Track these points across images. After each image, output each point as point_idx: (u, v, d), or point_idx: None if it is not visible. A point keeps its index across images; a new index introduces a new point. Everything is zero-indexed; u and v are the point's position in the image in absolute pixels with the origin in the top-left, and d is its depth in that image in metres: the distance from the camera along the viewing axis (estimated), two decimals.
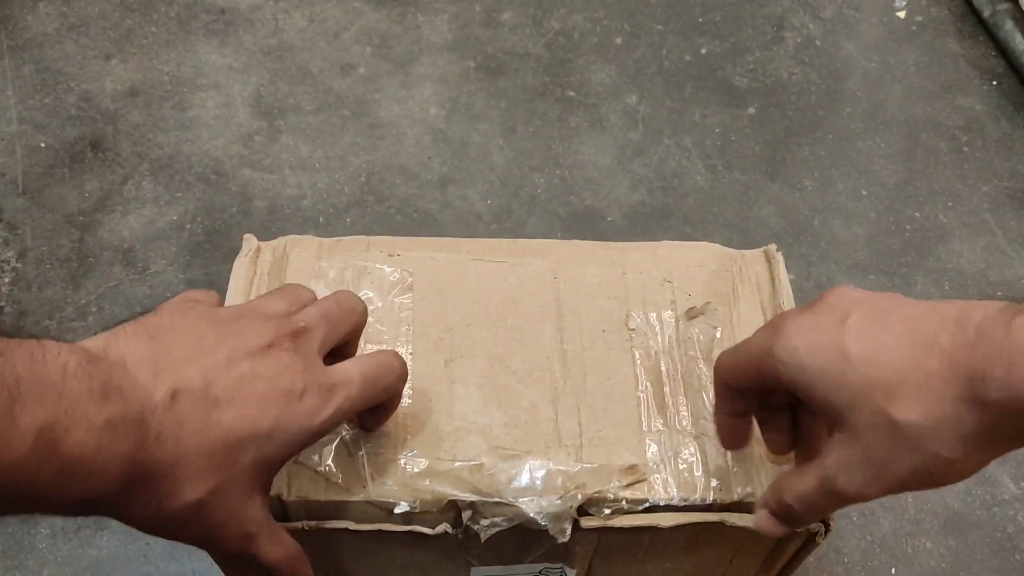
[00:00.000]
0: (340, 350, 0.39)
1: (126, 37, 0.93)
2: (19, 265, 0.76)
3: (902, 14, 1.02)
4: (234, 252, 0.48)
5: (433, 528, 0.43)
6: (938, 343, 0.32)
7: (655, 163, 0.86)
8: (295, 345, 0.35)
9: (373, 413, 0.40)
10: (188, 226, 0.78)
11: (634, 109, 0.91)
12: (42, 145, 0.84)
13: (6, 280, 0.75)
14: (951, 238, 0.82)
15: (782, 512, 0.38)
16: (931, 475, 0.33)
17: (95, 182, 0.81)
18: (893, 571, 0.62)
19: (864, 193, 0.85)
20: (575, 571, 0.49)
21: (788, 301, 0.50)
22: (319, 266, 0.49)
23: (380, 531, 0.43)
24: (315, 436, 0.35)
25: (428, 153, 0.86)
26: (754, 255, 0.52)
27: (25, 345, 0.28)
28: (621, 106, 0.91)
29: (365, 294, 0.47)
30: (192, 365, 0.32)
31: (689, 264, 0.51)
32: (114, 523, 0.61)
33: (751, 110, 0.92)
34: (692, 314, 0.49)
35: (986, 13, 0.99)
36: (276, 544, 0.36)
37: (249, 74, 0.91)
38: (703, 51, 0.97)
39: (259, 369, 0.33)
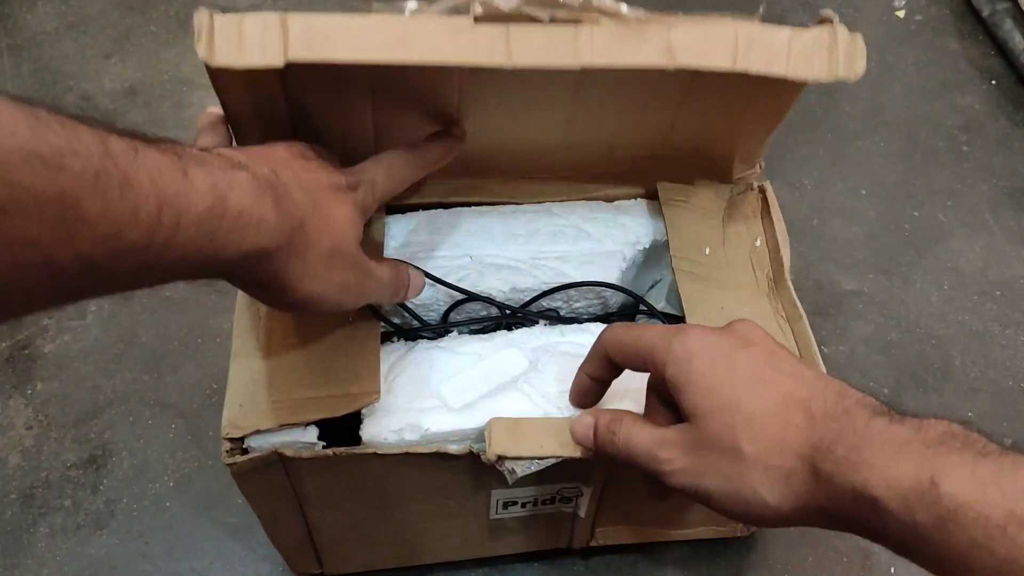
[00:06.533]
0: None
1: (125, 36, 0.93)
2: None
3: (901, 13, 1.02)
4: None
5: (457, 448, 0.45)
6: (809, 407, 0.34)
7: None
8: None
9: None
10: None
11: None
12: None
13: None
14: (950, 237, 0.82)
15: (602, 440, 0.41)
16: (737, 503, 0.35)
17: None
18: (892, 570, 0.62)
19: (863, 192, 0.85)
20: (590, 490, 0.52)
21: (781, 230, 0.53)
22: None
23: (407, 454, 0.45)
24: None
25: None
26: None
27: (162, 140, 0.32)
28: None
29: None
30: (275, 161, 0.38)
31: None
32: (113, 523, 0.61)
33: None
34: None
35: (985, 12, 0.99)
36: (385, 268, 0.44)
37: None
38: None
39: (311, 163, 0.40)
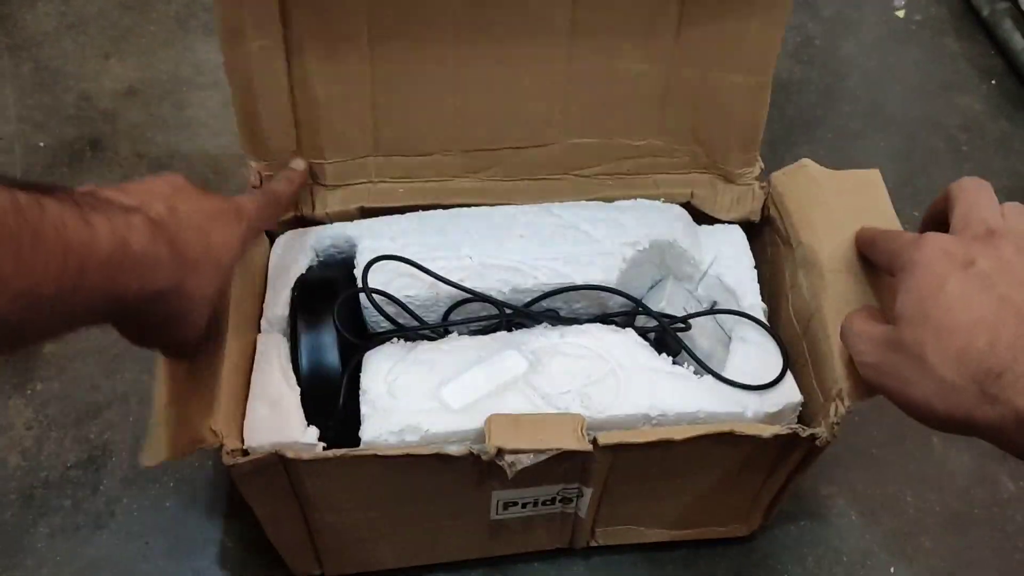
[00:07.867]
0: None
1: (124, 36, 0.93)
2: None
3: (901, 13, 1.02)
4: None
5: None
6: (996, 333, 0.36)
7: None
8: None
9: None
10: None
11: None
12: (41, 144, 0.83)
13: None
14: None
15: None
16: (908, 404, 0.39)
17: (94, 181, 0.81)
18: (892, 570, 0.62)
19: None
20: (591, 491, 0.51)
21: None
22: None
23: (407, 455, 0.44)
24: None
25: None
26: None
27: (55, 188, 0.33)
28: None
29: None
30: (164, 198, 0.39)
31: None
32: (113, 523, 0.61)
33: None
34: None
35: (985, 12, 0.99)
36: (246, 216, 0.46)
37: None
38: None
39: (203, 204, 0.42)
